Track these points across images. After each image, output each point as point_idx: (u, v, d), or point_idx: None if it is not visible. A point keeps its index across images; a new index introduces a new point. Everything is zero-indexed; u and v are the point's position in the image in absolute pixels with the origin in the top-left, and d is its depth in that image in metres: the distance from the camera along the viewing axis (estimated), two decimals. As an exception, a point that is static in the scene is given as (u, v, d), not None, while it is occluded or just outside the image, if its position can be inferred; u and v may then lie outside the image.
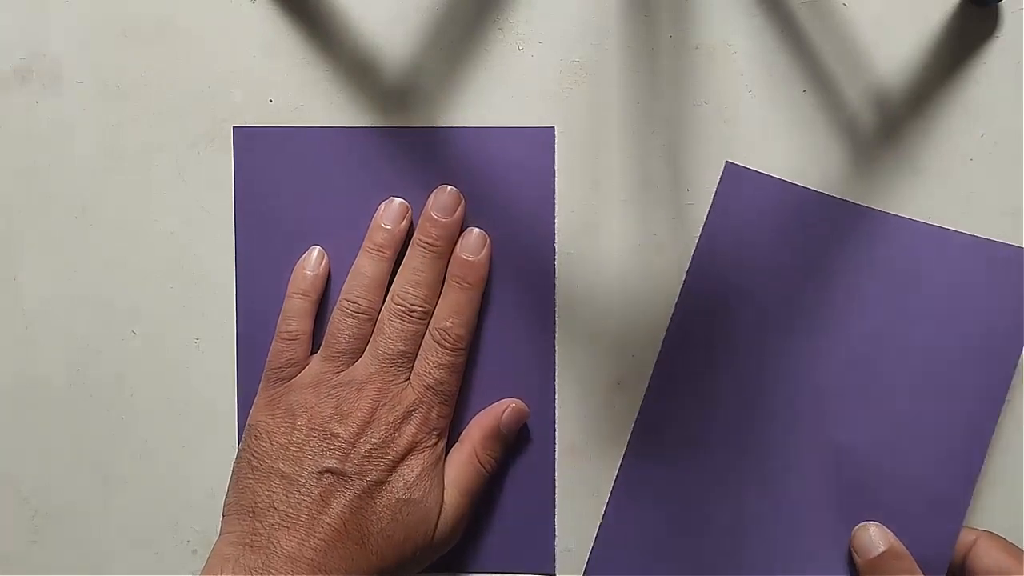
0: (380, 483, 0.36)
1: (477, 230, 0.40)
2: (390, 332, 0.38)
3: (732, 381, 0.40)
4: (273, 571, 0.33)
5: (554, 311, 0.41)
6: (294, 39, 0.41)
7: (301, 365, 0.39)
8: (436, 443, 0.38)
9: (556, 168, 0.40)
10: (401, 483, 0.36)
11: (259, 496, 0.36)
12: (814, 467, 0.39)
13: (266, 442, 0.37)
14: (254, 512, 0.35)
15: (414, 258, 0.39)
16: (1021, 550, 0.38)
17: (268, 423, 0.37)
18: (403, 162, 0.40)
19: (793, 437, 0.39)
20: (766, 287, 0.40)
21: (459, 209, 0.39)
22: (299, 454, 0.36)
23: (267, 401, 0.38)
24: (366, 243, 0.39)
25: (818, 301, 0.39)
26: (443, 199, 0.39)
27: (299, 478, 0.36)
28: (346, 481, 0.36)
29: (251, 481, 0.36)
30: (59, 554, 0.41)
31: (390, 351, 0.38)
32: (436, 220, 0.39)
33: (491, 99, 0.41)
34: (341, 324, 0.39)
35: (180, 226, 0.41)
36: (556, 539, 0.40)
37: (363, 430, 0.37)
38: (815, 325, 0.39)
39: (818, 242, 0.40)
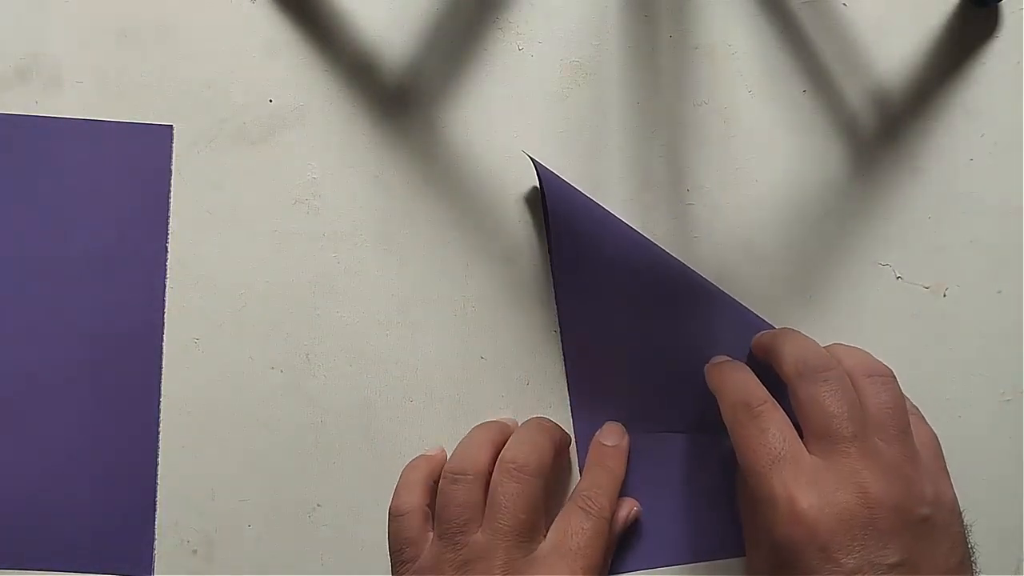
0: None
1: (615, 423, 0.40)
2: (505, 499, 0.35)
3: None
4: None
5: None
6: (294, 39, 0.41)
7: (419, 545, 0.36)
8: None
9: (556, 169, 0.40)
10: None
11: None
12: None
13: None
14: None
15: (524, 428, 0.38)
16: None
17: None
18: None
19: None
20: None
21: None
22: None
23: None
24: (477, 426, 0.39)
25: None
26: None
27: None
28: None
29: None
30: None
31: (509, 524, 0.35)
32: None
33: (491, 99, 0.41)
34: (448, 495, 0.36)
35: (180, 226, 0.41)
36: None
37: None
38: None
39: None
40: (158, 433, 0.40)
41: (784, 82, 0.42)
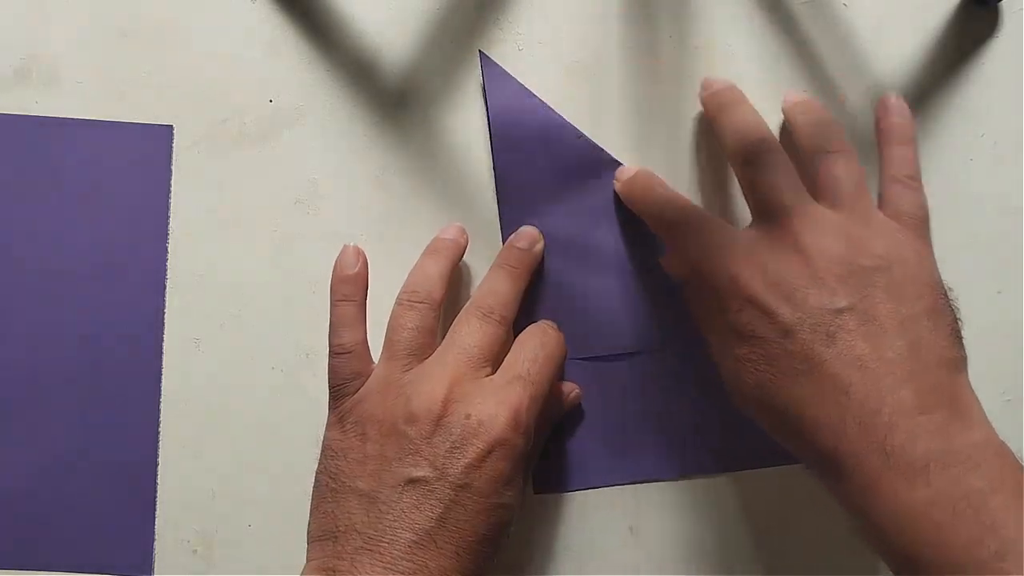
0: (465, 486, 0.33)
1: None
2: (466, 329, 0.36)
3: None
4: None
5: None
6: (294, 39, 0.41)
7: (364, 376, 0.36)
8: (524, 442, 0.34)
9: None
10: (490, 486, 0.33)
11: (339, 520, 0.33)
12: None
13: (341, 460, 0.34)
14: (335, 537, 0.33)
15: (492, 276, 0.38)
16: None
17: (340, 440, 0.35)
18: None
19: None
20: None
21: (539, 244, 0.39)
22: (376, 468, 0.33)
23: (337, 418, 0.36)
24: (427, 249, 0.39)
25: None
26: (524, 232, 0.39)
27: (379, 495, 0.33)
28: (430, 491, 0.32)
29: (330, 505, 0.34)
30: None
31: (466, 345, 0.35)
32: (517, 248, 0.39)
33: (491, 99, 0.41)
34: (402, 318, 0.36)
35: (180, 226, 0.41)
36: (553, 538, 0.40)
37: (437, 428, 0.33)
38: None
39: None
40: (158, 433, 0.40)
41: (784, 82, 0.42)
